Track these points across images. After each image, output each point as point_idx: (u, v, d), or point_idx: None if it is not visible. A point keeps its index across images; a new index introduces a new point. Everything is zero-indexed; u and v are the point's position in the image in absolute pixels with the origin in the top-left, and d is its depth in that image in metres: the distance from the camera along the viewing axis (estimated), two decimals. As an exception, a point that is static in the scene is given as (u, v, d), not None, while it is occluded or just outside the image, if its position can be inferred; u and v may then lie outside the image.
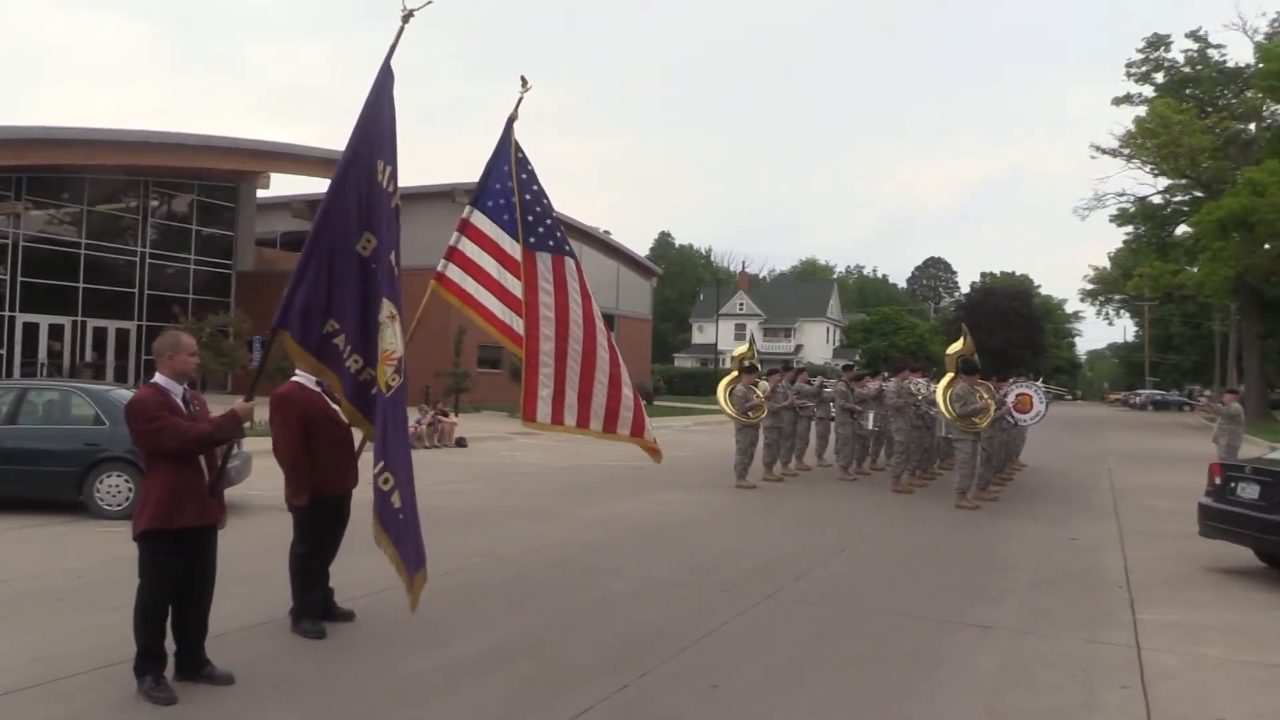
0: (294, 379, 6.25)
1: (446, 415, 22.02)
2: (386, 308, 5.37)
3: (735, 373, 15.57)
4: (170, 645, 5.01)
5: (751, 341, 18.74)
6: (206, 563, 5.14)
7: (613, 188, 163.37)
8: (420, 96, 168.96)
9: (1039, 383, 19.68)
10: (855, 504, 13.50)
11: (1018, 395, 16.30)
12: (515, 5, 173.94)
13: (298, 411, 6.10)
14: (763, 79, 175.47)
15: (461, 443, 21.23)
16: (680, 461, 19.22)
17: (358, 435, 6.18)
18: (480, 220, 6.63)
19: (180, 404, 4.99)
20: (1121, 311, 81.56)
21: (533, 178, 6.76)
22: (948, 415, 13.54)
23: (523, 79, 7.02)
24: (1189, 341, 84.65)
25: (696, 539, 10.27)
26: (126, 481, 10.32)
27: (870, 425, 16.81)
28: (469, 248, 6.60)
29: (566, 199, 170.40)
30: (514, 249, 6.67)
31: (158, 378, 5.04)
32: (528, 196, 6.73)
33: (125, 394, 10.49)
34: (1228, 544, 9.58)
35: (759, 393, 15.22)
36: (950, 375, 13.86)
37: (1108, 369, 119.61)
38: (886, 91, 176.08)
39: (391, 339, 5.37)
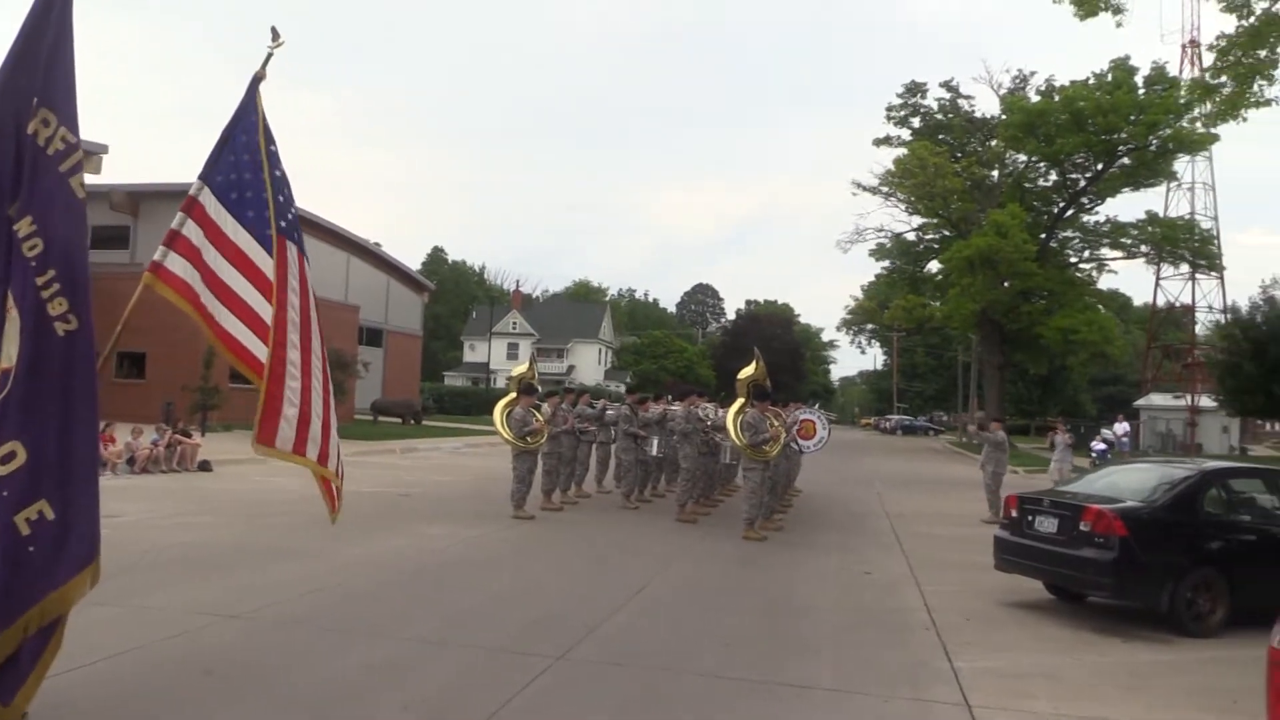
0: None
1: (189, 436, 19.73)
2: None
3: (513, 394, 14.41)
4: None
5: (532, 361, 17.61)
6: None
7: (385, 200, 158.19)
8: (185, 94, 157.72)
9: (818, 408, 19.76)
10: (641, 535, 12.68)
11: (801, 421, 16.13)
12: (289, 10, 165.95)
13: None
14: (538, 100, 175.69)
15: (205, 466, 19.00)
16: (451, 488, 17.87)
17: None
18: (208, 199, 5.19)
19: None
20: (873, 341, 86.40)
21: (278, 157, 5.38)
22: (738, 443, 12.98)
23: (274, 30, 5.64)
24: (932, 370, 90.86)
25: (471, 582, 9.06)
26: None
27: (654, 451, 16.10)
28: (194, 233, 5.14)
29: (337, 208, 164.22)
30: (239, 235, 5.22)
31: None
32: (277, 173, 5.35)
33: None
34: (1016, 575, 9.41)
35: (539, 416, 14.13)
36: (740, 401, 13.29)
37: (859, 394, 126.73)
38: (657, 119, 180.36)
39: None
